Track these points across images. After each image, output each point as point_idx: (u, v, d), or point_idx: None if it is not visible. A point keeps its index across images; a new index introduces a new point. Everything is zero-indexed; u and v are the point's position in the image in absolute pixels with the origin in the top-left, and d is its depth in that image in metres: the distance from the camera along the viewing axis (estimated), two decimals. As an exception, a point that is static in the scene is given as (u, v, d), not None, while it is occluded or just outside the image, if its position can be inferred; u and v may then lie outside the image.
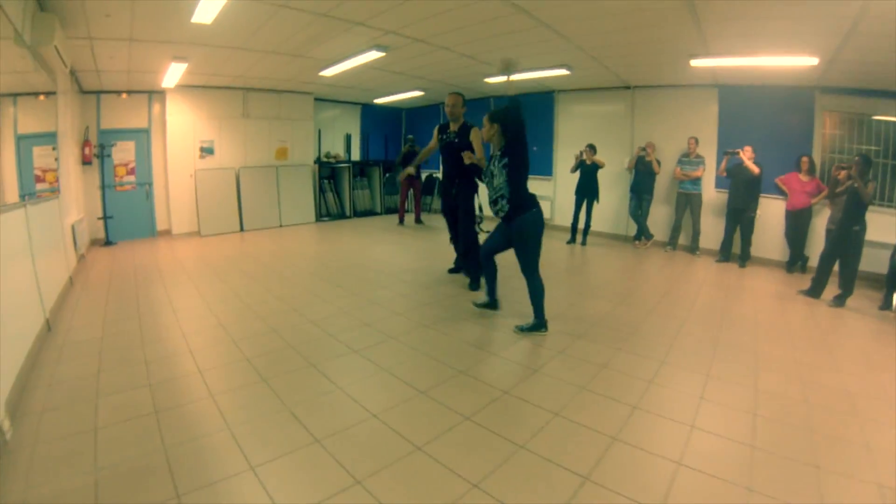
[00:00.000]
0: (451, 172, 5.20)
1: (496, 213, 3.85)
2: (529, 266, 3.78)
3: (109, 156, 8.42)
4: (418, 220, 10.49)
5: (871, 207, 5.31)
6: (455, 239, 5.55)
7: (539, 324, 3.89)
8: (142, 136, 8.83)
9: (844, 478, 2.19)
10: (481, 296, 4.53)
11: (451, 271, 5.86)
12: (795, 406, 2.88)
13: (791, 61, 5.96)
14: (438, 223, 10.13)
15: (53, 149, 5.50)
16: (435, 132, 5.34)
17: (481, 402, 2.74)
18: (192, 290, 5.21)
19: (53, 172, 5.39)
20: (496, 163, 3.75)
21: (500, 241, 3.96)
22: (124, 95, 8.53)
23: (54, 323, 4.02)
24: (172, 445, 2.28)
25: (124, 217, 8.58)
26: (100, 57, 6.41)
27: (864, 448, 2.45)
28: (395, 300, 4.78)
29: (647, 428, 2.54)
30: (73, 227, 6.05)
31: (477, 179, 5.04)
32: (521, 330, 3.91)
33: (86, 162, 8.00)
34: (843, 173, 5.72)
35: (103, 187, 8.37)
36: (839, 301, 5.29)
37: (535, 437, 2.38)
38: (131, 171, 8.80)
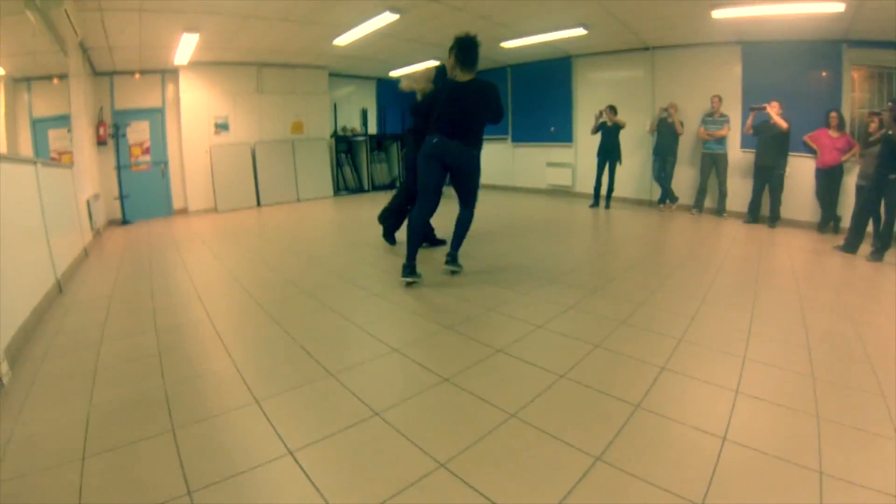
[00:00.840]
0: (455, 130, 4.81)
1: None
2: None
3: (124, 136, 8.41)
4: None
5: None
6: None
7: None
8: (156, 116, 8.81)
9: None
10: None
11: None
12: (850, 342, 2.67)
13: (817, 8, 5.67)
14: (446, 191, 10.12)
15: (68, 131, 5.45)
16: (429, 70, 5.03)
17: (512, 336, 2.55)
18: (205, 253, 5.17)
19: (69, 155, 5.33)
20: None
21: None
22: (137, 76, 8.51)
23: (66, 286, 3.93)
24: (173, 382, 2.14)
25: (141, 196, 8.58)
26: (111, 30, 6.30)
27: None
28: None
29: (697, 359, 2.34)
30: (88, 203, 6.02)
31: None
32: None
33: (101, 142, 7.99)
34: (875, 121, 5.46)
35: (119, 167, 8.35)
36: (877, 255, 5.03)
37: (577, 367, 2.18)
38: (146, 151, 8.78)
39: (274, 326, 2.77)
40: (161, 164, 8.88)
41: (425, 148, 3.56)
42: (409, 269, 3.49)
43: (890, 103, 5.10)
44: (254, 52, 8.60)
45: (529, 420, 1.77)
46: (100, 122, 7.99)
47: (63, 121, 5.53)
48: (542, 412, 1.82)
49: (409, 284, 3.47)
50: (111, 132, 8.19)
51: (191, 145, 8.90)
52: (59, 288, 3.78)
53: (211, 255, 5.05)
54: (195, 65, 8.58)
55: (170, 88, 8.82)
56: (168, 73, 8.72)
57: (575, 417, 1.80)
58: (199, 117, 8.96)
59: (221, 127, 9.23)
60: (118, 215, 8.29)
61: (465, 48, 3.61)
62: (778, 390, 2.06)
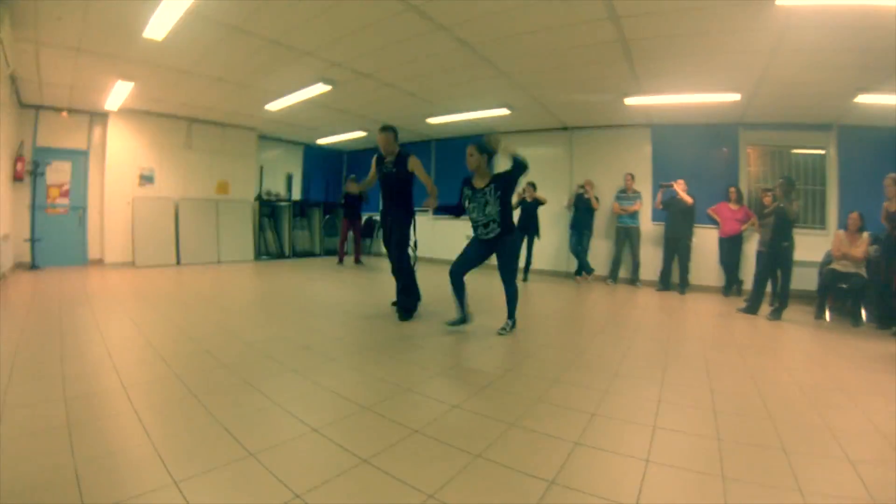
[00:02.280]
0: (386, 200, 5.11)
1: (486, 235, 4.33)
2: (512, 275, 4.48)
3: (43, 174, 8.02)
4: (358, 261, 10.34)
5: (796, 229, 5.65)
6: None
7: (514, 322, 4.51)
8: (79, 158, 8.48)
9: (815, 458, 2.20)
10: (451, 316, 4.65)
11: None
12: (752, 401, 2.94)
13: (716, 98, 6.40)
14: (378, 264, 10.18)
15: None
16: (373, 163, 5.16)
17: (430, 416, 2.56)
18: (121, 314, 4.90)
19: None
20: (491, 193, 4.21)
21: (474, 259, 4.48)
22: (64, 114, 8.21)
23: None
24: (84, 460, 1.97)
25: (54, 241, 8.11)
26: (45, 66, 6.17)
27: (828, 431, 2.50)
28: (334, 327, 4.61)
29: (609, 432, 2.45)
30: None
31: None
32: (504, 332, 4.41)
33: (17, 179, 7.53)
34: (768, 196, 6.08)
35: (33, 207, 7.92)
36: (776, 314, 5.58)
37: (492, 447, 2.22)
38: (65, 194, 8.39)
39: (192, 401, 2.65)
40: (79, 210, 8.48)
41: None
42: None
43: (780, 179, 5.74)
44: (187, 106, 8.55)
45: (448, 501, 1.78)
46: (18, 157, 7.51)
47: None
48: (460, 492, 1.84)
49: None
50: (29, 169, 7.74)
51: (113, 194, 8.58)
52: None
53: (127, 316, 4.79)
54: (126, 111, 8.42)
55: (97, 132, 8.56)
56: (97, 116, 8.48)
57: (492, 496, 1.83)
58: (125, 166, 8.70)
59: (147, 179, 8.99)
60: (27, 259, 7.78)
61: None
62: (686, 455, 2.20)
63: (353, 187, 5.73)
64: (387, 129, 4.88)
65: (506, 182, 4.25)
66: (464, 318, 4.51)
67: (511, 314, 4.49)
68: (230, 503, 1.75)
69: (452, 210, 4.64)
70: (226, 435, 2.25)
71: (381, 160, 5.04)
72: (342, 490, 1.85)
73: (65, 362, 3.24)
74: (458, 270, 4.43)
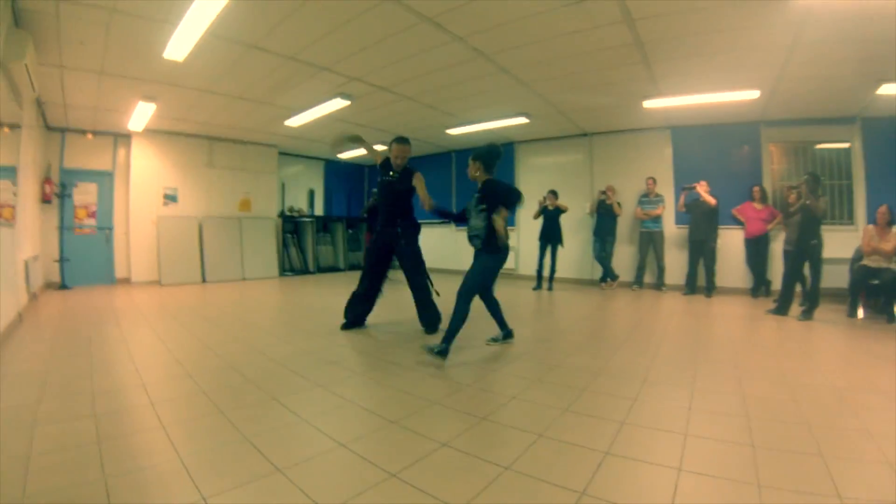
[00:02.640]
0: (390, 211, 4.91)
1: (473, 247, 4.08)
2: (462, 296, 3.89)
3: (70, 196, 8.24)
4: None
5: (824, 226, 5.53)
6: (368, 289, 5.06)
7: (507, 333, 4.43)
8: (105, 179, 8.71)
9: (851, 462, 2.13)
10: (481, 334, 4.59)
11: (346, 326, 5.08)
12: (786, 406, 2.86)
13: (735, 96, 6.31)
14: (394, 276, 10.19)
15: (13, 184, 5.28)
16: (380, 159, 5.12)
17: (458, 428, 2.54)
18: (148, 331, 4.99)
19: (10, 208, 5.14)
20: (474, 205, 4.00)
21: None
22: (90, 136, 8.45)
23: None
24: (114, 475, 2.01)
25: (82, 261, 8.32)
26: (69, 89, 6.36)
27: (864, 433, 2.43)
28: (361, 341, 4.60)
29: (640, 441, 2.40)
30: (26, 263, 5.78)
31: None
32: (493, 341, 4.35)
33: (45, 200, 7.75)
34: (793, 194, 5.96)
35: (62, 228, 8.15)
36: (807, 315, 5.45)
37: (521, 458, 2.19)
38: (92, 215, 8.62)
39: (219, 417, 2.67)
40: (106, 230, 8.70)
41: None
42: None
43: (806, 176, 5.62)
44: (208, 125, 8.72)
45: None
46: (46, 179, 7.74)
47: (8, 172, 5.35)
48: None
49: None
50: (57, 191, 7.96)
51: (138, 213, 8.78)
52: (-11, 358, 3.57)
53: (154, 333, 4.87)
54: (149, 132, 8.64)
55: (121, 153, 8.78)
56: (121, 137, 8.71)
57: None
58: (149, 186, 8.90)
59: (170, 198, 9.17)
60: (56, 278, 8.00)
61: (493, 157, 4.09)
62: (719, 463, 2.14)
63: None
64: (405, 140, 4.86)
65: (493, 194, 3.94)
66: (507, 333, 4.45)
67: (447, 336, 3.85)
68: (260, 520, 1.75)
69: (452, 216, 4.47)
70: (253, 450, 2.26)
71: (386, 165, 4.93)
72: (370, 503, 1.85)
73: (94, 379, 3.31)
74: (480, 288, 4.18)
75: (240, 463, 2.15)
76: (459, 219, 4.30)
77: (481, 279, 4.04)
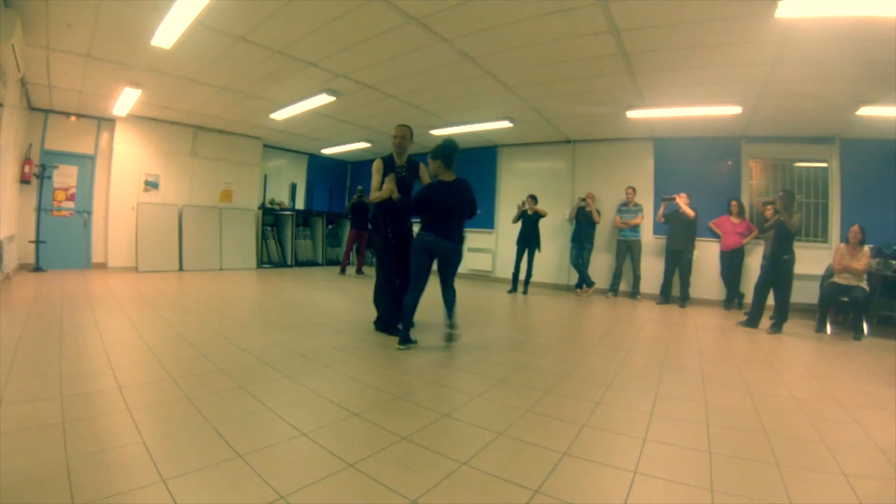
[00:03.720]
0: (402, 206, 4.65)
1: None
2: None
3: (50, 178, 8.15)
4: (359, 271, 10.38)
5: (797, 242, 5.66)
6: (393, 286, 4.74)
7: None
8: (86, 162, 8.62)
9: (807, 471, 2.19)
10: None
11: (380, 328, 4.83)
12: (747, 414, 2.93)
13: (718, 111, 6.41)
14: (370, 273, 10.21)
15: None
16: (378, 166, 4.69)
17: (419, 423, 2.57)
18: (121, 317, 4.97)
19: None
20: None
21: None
22: (73, 118, 8.37)
23: None
24: (76, 456, 2.01)
25: (58, 244, 8.23)
26: (54, 71, 6.30)
27: (822, 444, 2.49)
28: (331, 335, 4.60)
29: (598, 443, 2.44)
30: (0, 243, 5.72)
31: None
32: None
33: (24, 181, 7.67)
34: (769, 209, 6.08)
35: (39, 210, 8.05)
36: (776, 328, 5.57)
37: (479, 455, 2.23)
38: (71, 197, 8.52)
39: (186, 403, 2.67)
40: (84, 214, 8.61)
41: (419, 242, 4.13)
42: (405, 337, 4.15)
43: (781, 192, 5.74)
44: (193, 114, 8.67)
45: (429, 506, 1.79)
46: (26, 160, 7.65)
47: None
48: (443, 497, 1.85)
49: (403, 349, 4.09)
50: (37, 172, 7.86)
51: (118, 199, 8.71)
52: (-44, 338, 3.51)
53: (127, 319, 4.84)
54: (133, 118, 8.58)
55: (104, 137, 8.70)
56: (104, 122, 8.64)
57: (473, 501, 1.84)
58: (130, 171, 8.83)
59: (151, 185, 9.09)
60: (31, 260, 7.90)
61: (451, 151, 4.16)
62: (675, 468, 2.18)
63: (394, 193, 4.57)
64: (405, 125, 4.82)
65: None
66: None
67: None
68: (216, 502, 1.76)
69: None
70: (216, 437, 2.28)
71: (389, 165, 4.68)
72: (326, 492, 1.86)
73: (63, 362, 3.29)
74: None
75: (202, 448, 2.16)
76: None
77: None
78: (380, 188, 4.61)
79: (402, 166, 4.71)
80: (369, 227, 10.30)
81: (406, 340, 4.14)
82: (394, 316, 4.60)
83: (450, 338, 4.23)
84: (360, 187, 10.96)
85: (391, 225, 4.65)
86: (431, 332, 4.72)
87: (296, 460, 2.11)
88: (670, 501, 1.91)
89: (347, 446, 2.26)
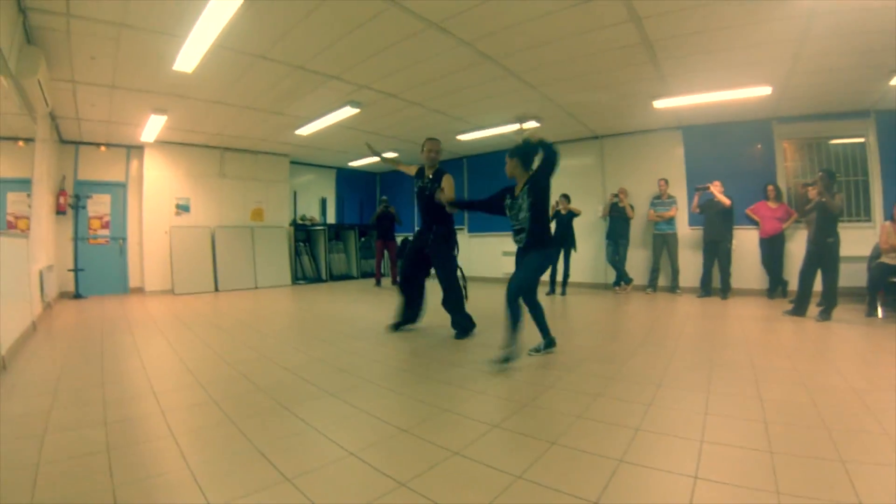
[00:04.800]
0: (426, 219, 5.00)
1: (519, 243, 4.03)
2: (518, 291, 3.86)
3: (84, 207, 8.40)
4: (395, 282, 10.32)
5: (840, 223, 5.43)
6: (411, 292, 5.19)
7: (549, 342, 4.23)
8: (118, 190, 8.88)
9: (873, 466, 2.07)
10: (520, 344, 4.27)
11: (396, 327, 5.24)
12: (805, 409, 2.79)
13: (746, 93, 6.24)
14: None
15: (28, 196, 5.40)
16: (414, 170, 5.16)
17: (469, 437, 2.51)
18: (160, 340, 5.04)
19: (26, 220, 5.27)
20: (524, 198, 3.89)
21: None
22: (103, 148, 8.64)
23: (11, 363, 3.80)
24: (122, 484, 2.00)
25: (96, 271, 8.47)
26: (81, 103, 6.50)
27: (885, 436, 2.36)
28: (372, 349, 4.57)
29: (654, 448, 2.35)
30: (40, 273, 5.91)
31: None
32: (535, 352, 4.14)
33: (60, 211, 7.95)
34: (811, 190, 5.88)
35: (76, 239, 8.30)
36: (825, 315, 5.35)
37: (533, 467, 2.15)
38: (105, 225, 8.79)
39: (229, 426, 2.67)
40: (119, 240, 8.85)
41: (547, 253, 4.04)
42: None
43: (820, 172, 5.53)
44: (219, 136, 8.81)
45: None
46: (60, 191, 7.95)
47: (23, 185, 5.49)
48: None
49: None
50: (71, 202, 8.14)
51: (151, 224, 8.90)
52: (3, 364, 3.65)
53: (165, 342, 4.91)
54: (161, 143, 8.77)
55: (134, 164, 8.94)
56: (133, 149, 8.88)
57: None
58: (161, 196, 9.02)
59: (182, 208, 9.26)
60: (70, 288, 8.15)
61: (530, 151, 3.97)
62: (736, 471, 2.08)
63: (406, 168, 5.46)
64: (434, 138, 4.94)
65: (535, 183, 3.84)
66: (549, 342, 4.24)
67: (543, 332, 4.22)
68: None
69: (483, 206, 4.37)
70: (262, 459, 2.25)
71: (420, 174, 5.00)
72: (380, 514, 1.82)
73: (105, 387, 3.33)
74: (523, 290, 3.96)
75: (248, 472, 2.14)
76: (490, 207, 4.26)
77: (533, 276, 3.97)
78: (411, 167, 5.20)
79: (428, 178, 4.89)
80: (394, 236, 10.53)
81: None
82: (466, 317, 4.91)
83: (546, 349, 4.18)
84: (384, 197, 10.98)
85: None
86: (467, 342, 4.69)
87: (345, 481, 2.07)
88: (737, 508, 1.81)
89: (398, 464, 2.21)
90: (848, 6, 4.12)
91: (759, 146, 7.78)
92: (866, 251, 6.21)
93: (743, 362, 3.83)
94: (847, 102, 6.81)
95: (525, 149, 3.94)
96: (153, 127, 7.58)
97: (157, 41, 4.72)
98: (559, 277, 8.38)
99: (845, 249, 5.59)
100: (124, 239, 8.92)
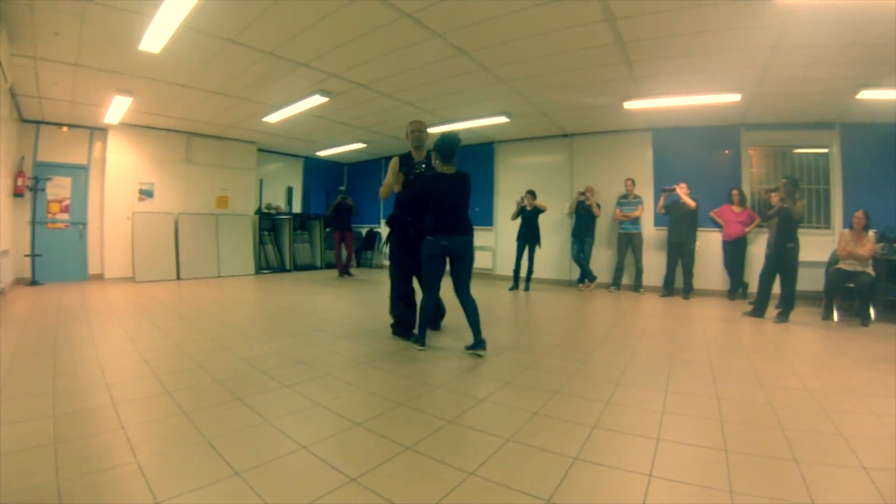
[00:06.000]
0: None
1: None
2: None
3: (43, 190, 8.04)
4: (344, 272, 10.23)
5: (801, 229, 5.59)
6: (405, 290, 4.64)
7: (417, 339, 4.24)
8: (80, 173, 8.53)
9: (827, 466, 2.12)
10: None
11: (398, 333, 4.70)
12: (760, 409, 2.85)
13: (716, 99, 6.33)
14: (371, 276, 10.31)
15: None
16: (394, 164, 4.52)
17: (423, 432, 2.48)
18: (117, 329, 4.89)
19: None
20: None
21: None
22: (65, 129, 8.28)
23: None
24: (68, 479, 1.93)
25: (54, 257, 8.13)
26: (43, 82, 6.23)
27: (839, 437, 2.43)
28: (331, 341, 4.51)
29: (610, 446, 2.36)
30: None
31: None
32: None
33: (17, 194, 7.52)
34: (774, 196, 6.01)
35: (34, 223, 7.97)
36: (783, 317, 5.50)
37: (487, 463, 2.14)
38: (65, 209, 8.43)
39: (181, 418, 2.59)
40: (80, 225, 8.50)
41: (432, 249, 3.97)
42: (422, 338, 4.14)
43: (784, 179, 5.66)
44: (185, 121, 8.58)
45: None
46: (19, 173, 7.53)
47: None
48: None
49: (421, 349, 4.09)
50: (30, 184, 7.75)
51: (113, 209, 8.60)
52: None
53: (123, 331, 4.76)
54: (126, 126, 8.47)
55: (97, 146, 8.59)
56: (97, 131, 8.54)
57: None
58: (125, 181, 8.72)
59: (146, 193, 8.99)
60: (27, 274, 7.80)
61: (448, 146, 3.96)
62: (691, 469, 2.11)
63: (396, 186, 4.54)
64: (417, 120, 4.67)
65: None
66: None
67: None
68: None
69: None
70: (213, 453, 2.19)
71: (406, 160, 4.53)
72: (327, 510, 1.78)
73: (57, 378, 3.21)
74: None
75: (198, 466, 2.08)
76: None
77: (425, 270, 4.12)
78: (392, 186, 4.55)
79: (420, 162, 4.53)
80: (352, 228, 10.45)
81: (420, 340, 4.15)
82: (411, 319, 4.52)
83: (476, 353, 3.95)
84: (341, 188, 10.95)
85: (411, 224, 4.41)
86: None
87: (296, 476, 2.03)
88: (688, 505, 1.83)
89: (349, 459, 2.17)
90: (820, 17, 4.20)
91: (727, 151, 7.94)
92: (825, 257, 6.42)
93: (702, 362, 3.90)
94: (814, 113, 7.00)
95: (444, 143, 3.97)
96: (118, 109, 7.32)
97: (124, 19, 4.53)
98: (523, 273, 8.42)
99: (805, 255, 5.77)
100: (84, 224, 8.58)
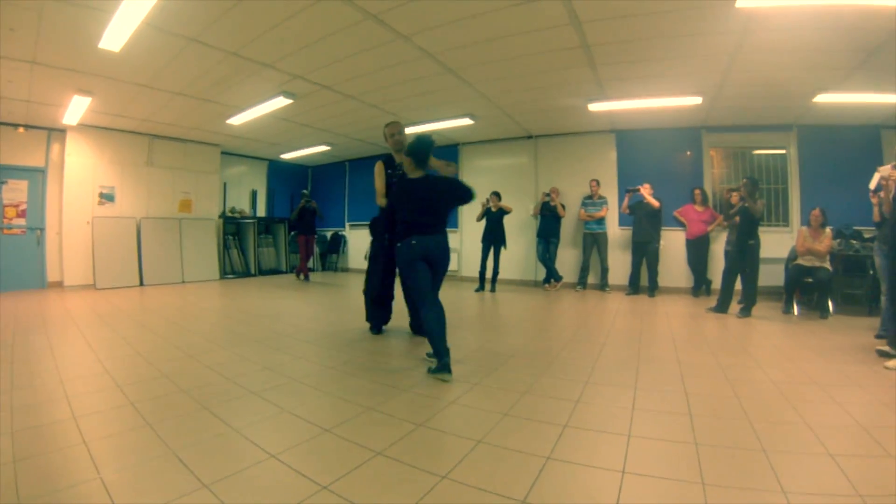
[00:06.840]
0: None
1: None
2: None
3: None
4: (300, 274, 10.18)
5: (761, 227, 5.80)
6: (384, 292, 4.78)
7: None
8: (37, 176, 8.19)
9: (794, 455, 2.19)
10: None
11: (376, 331, 4.93)
12: (728, 402, 2.92)
13: (679, 101, 6.47)
14: (336, 280, 10.32)
15: None
16: (379, 169, 4.48)
17: (394, 436, 2.46)
18: (77, 339, 4.71)
19: None
20: None
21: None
22: (21, 129, 7.93)
23: None
24: (28, 498, 1.85)
25: (10, 264, 7.79)
26: None
27: (805, 426, 2.51)
28: (298, 346, 4.46)
29: (582, 444, 2.38)
30: None
31: None
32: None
33: None
34: (734, 196, 6.18)
35: None
36: (745, 311, 5.68)
37: (459, 466, 2.13)
38: (22, 214, 8.08)
39: (146, 430, 2.50)
40: (37, 231, 8.16)
41: (407, 251, 3.60)
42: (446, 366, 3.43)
43: (745, 179, 5.84)
44: (147, 122, 8.34)
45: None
46: None
47: None
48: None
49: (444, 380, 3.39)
50: (-16, 188, 7.34)
51: (72, 214, 8.27)
52: None
53: (83, 341, 4.58)
54: (85, 127, 8.18)
55: (55, 148, 8.26)
56: (55, 132, 8.21)
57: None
58: (84, 184, 8.42)
59: (107, 197, 8.71)
60: (-19, 283, 7.36)
61: (420, 149, 3.72)
62: (663, 464, 2.14)
63: (382, 201, 4.51)
64: (393, 121, 4.59)
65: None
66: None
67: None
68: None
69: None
70: (179, 465, 2.13)
71: (390, 163, 4.48)
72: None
73: (14, 392, 3.07)
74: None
75: (164, 479, 2.02)
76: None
77: (406, 276, 3.78)
78: (385, 191, 4.44)
79: (401, 164, 4.37)
80: (316, 231, 10.46)
81: (444, 369, 3.42)
82: (384, 316, 4.81)
83: (441, 377, 3.44)
84: (305, 192, 10.85)
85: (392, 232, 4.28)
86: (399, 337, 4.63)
87: (264, 486, 1.98)
88: (662, 500, 1.86)
89: (320, 466, 2.13)
90: (780, 24, 4.34)
91: (689, 153, 8.15)
92: (784, 253, 6.64)
93: (669, 358, 3.98)
94: (772, 116, 7.26)
95: (416, 146, 3.73)
96: (77, 109, 7.06)
97: (83, 15, 4.36)
98: (489, 274, 8.44)
99: (765, 251, 5.96)
100: (42, 229, 8.23)
